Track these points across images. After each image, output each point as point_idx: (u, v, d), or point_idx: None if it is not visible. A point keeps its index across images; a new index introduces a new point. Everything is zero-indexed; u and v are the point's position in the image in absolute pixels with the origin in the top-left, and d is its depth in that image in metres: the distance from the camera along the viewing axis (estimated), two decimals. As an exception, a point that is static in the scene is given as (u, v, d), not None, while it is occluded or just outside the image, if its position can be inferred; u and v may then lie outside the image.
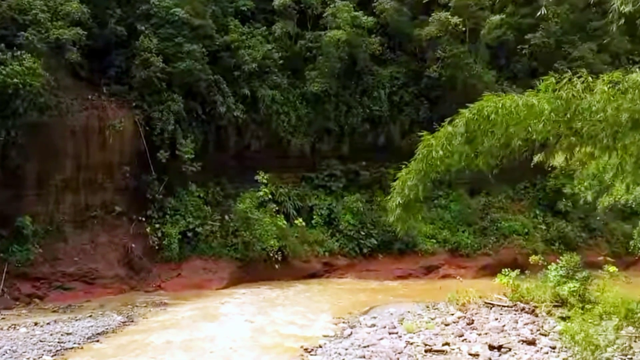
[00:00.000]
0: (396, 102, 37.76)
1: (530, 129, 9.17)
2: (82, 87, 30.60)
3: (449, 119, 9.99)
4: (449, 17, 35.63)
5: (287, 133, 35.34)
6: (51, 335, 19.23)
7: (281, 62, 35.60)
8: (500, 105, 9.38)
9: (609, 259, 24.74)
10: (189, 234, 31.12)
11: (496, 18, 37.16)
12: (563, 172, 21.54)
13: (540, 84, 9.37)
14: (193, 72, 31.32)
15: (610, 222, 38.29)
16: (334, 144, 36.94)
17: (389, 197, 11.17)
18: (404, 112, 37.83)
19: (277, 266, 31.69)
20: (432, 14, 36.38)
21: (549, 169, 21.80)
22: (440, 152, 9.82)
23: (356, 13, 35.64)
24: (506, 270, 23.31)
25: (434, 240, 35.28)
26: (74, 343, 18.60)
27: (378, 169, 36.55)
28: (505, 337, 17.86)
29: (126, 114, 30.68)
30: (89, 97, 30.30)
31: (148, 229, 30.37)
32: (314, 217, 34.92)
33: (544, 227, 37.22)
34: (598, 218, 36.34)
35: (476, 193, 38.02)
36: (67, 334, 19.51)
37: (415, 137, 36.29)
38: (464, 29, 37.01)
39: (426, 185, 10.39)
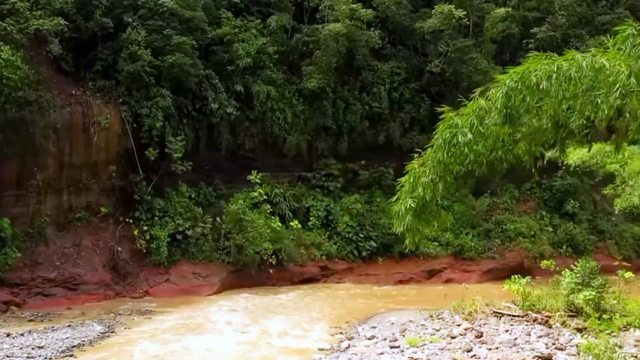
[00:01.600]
0: (396, 99, 36.22)
1: (598, 102, 6.58)
2: (66, 81, 29.11)
3: (479, 88, 7.60)
4: (453, 9, 34.03)
5: (282, 131, 33.74)
6: (20, 349, 17.58)
7: (276, 56, 34.03)
8: (554, 69, 6.98)
9: (625, 263, 23.11)
10: (179, 237, 29.56)
11: (500, 11, 35.64)
12: (577, 169, 19.84)
13: (611, 39, 7.24)
14: (183, 66, 29.73)
15: (619, 224, 36.88)
16: (332, 143, 35.32)
17: (394, 199, 8.50)
18: (404, 109, 36.29)
19: (271, 271, 30.19)
20: (435, 7, 34.83)
21: (563, 166, 20.30)
22: (469, 136, 7.40)
23: (354, 5, 34.03)
24: (516, 276, 21.65)
25: (437, 243, 33.70)
26: (45, 358, 16.95)
27: (377, 168, 35.23)
28: (518, 352, 16.25)
29: (112, 110, 29.16)
30: (73, 92, 28.80)
31: (135, 232, 28.91)
32: (311, 218, 33.42)
33: (550, 229, 35.76)
34: (614, 219, 34.79)
35: (480, 193, 36.45)
36: (39, 347, 17.85)
37: (416, 135, 34.81)
38: (467, 22, 35.47)
39: (447, 182, 7.92)
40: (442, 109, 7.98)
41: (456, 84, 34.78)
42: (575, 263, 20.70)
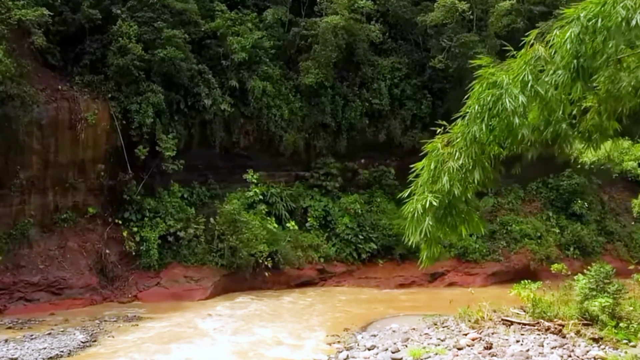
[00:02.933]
0: (397, 96, 34.90)
1: None
2: (52, 76, 27.82)
3: (534, 30, 5.44)
4: (456, 2, 32.70)
5: (279, 128, 32.41)
6: (-9, 361, 16.29)
7: (273, 51, 32.75)
8: None
9: (640, 268, 21.78)
10: (170, 239, 28.31)
11: (505, 4, 34.31)
12: (592, 167, 18.52)
13: None
14: (174, 60, 28.44)
15: (628, 225, 35.64)
16: (330, 141, 34.02)
17: (407, 195, 6.23)
18: (405, 106, 35.00)
19: (267, 274, 28.95)
20: (437, 0, 33.49)
21: (578, 165, 18.99)
22: (521, 99, 5.21)
23: (354, -3, 32.73)
24: (526, 281, 20.31)
25: (439, 245, 32.28)
26: (16, 372, 15.65)
27: (378, 167, 34.17)
28: (531, 365, 14.94)
29: (100, 106, 27.88)
30: (59, 87, 27.50)
31: (124, 233, 27.72)
32: (308, 219, 32.17)
33: (557, 230, 34.47)
34: (624, 220, 33.50)
35: (483, 193, 35.11)
36: (12, 359, 16.50)
37: (417, 133, 33.26)
38: (471, 16, 34.16)
39: (485, 170, 5.86)
40: (477, 62, 6.05)
41: (460, 80, 33.38)
42: (589, 267, 19.35)
